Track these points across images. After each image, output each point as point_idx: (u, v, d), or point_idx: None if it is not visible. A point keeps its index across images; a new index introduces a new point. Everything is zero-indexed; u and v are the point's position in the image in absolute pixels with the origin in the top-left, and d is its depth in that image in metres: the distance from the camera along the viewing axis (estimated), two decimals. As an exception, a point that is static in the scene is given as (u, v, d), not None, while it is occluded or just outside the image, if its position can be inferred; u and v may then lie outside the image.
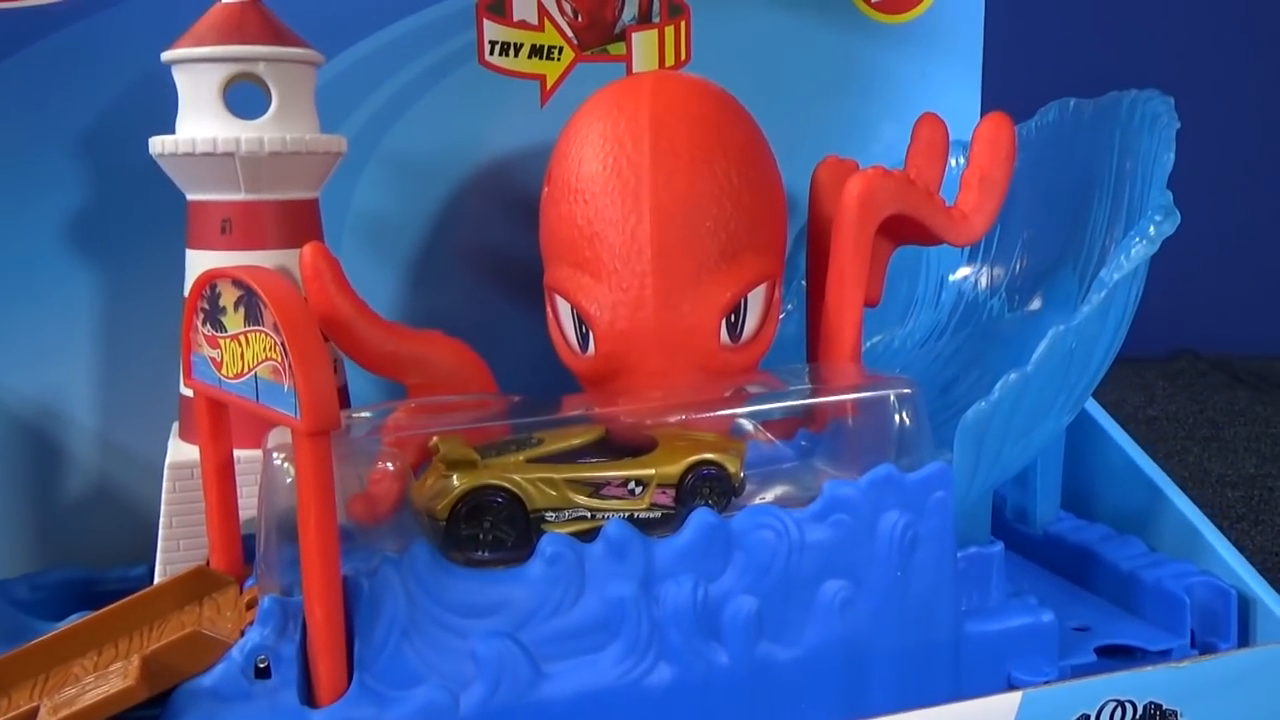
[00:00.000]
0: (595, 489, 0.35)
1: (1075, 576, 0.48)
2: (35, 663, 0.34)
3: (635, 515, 0.35)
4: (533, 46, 0.50)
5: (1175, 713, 0.38)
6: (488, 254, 0.51)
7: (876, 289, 0.42)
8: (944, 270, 0.53)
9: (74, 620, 0.35)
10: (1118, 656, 0.41)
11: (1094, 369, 0.41)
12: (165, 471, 0.40)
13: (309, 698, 0.32)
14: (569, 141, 0.39)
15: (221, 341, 0.34)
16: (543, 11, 0.50)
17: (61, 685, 0.32)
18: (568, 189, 0.38)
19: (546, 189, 0.40)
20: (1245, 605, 0.42)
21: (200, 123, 0.39)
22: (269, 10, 0.40)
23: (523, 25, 0.50)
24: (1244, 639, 0.42)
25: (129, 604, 0.36)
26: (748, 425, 0.38)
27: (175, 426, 0.43)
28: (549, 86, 0.51)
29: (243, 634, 0.32)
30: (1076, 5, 1.17)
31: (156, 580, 0.40)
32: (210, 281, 0.34)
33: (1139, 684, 0.38)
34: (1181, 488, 0.47)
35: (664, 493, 0.35)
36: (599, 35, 0.51)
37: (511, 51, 0.50)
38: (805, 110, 0.52)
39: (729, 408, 0.37)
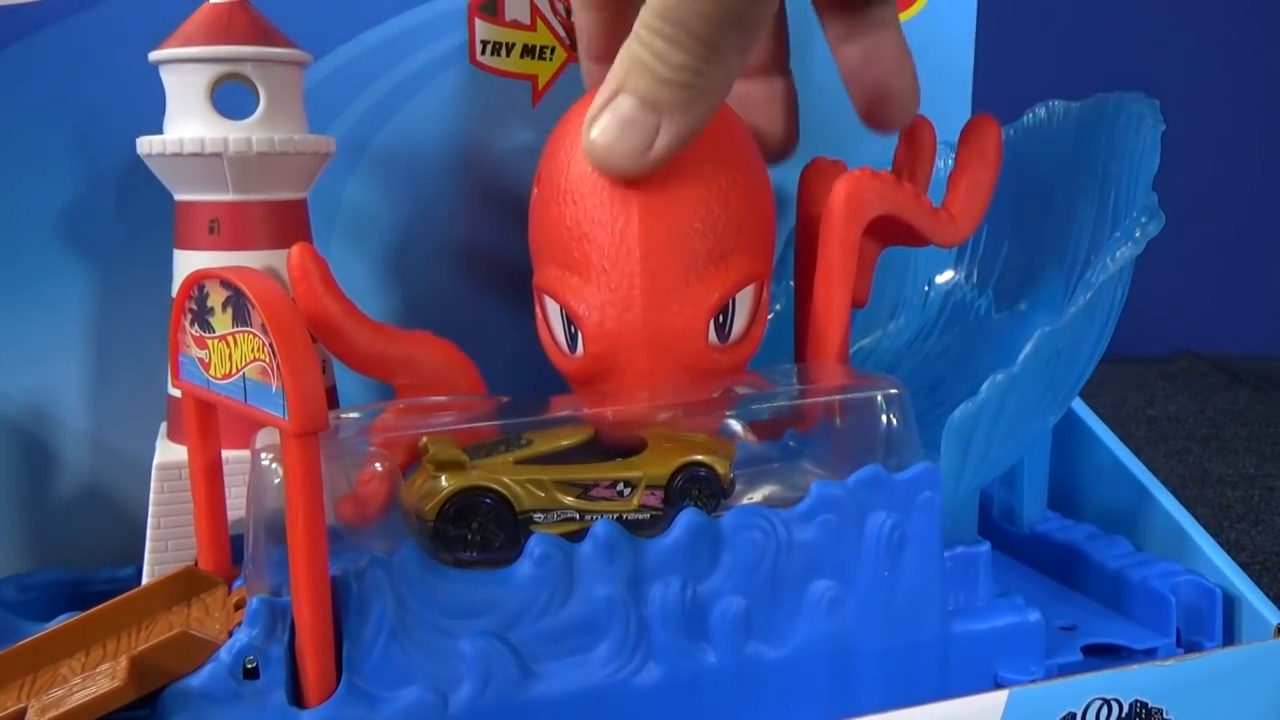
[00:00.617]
0: (584, 490, 0.35)
1: (1062, 576, 0.48)
2: (23, 663, 0.34)
3: (624, 516, 0.35)
4: (525, 46, 0.50)
5: (1160, 711, 0.38)
6: (478, 255, 0.51)
7: (864, 290, 0.42)
8: (931, 271, 0.53)
9: (62, 621, 0.35)
10: (1104, 655, 0.42)
11: (1080, 369, 0.41)
12: (153, 472, 0.40)
13: (297, 698, 0.32)
14: (558, 143, 0.39)
15: (209, 342, 0.34)
16: (535, 11, 0.50)
17: (49, 686, 0.32)
18: (557, 190, 0.38)
19: (536, 190, 0.40)
20: (1230, 604, 0.43)
21: (188, 123, 0.39)
22: (257, 10, 0.40)
23: (515, 25, 0.50)
24: (1229, 638, 0.43)
25: (117, 605, 0.36)
26: (735, 426, 0.38)
27: (163, 427, 0.43)
28: (541, 87, 0.51)
29: (231, 635, 0.32)
30: (1063, 9, 1.17)
31: (145, 581, 0.40)
32: (198, 282, 0.34)
33: (1125, 682, 0.38)
34: (1182, 488, 0.47)
35: (653, 494, 0.35)
36: (590, 36, 0.51)
37: (503, 51, 0.50)
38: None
39: (717, 408, 0.37)
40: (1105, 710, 0.38)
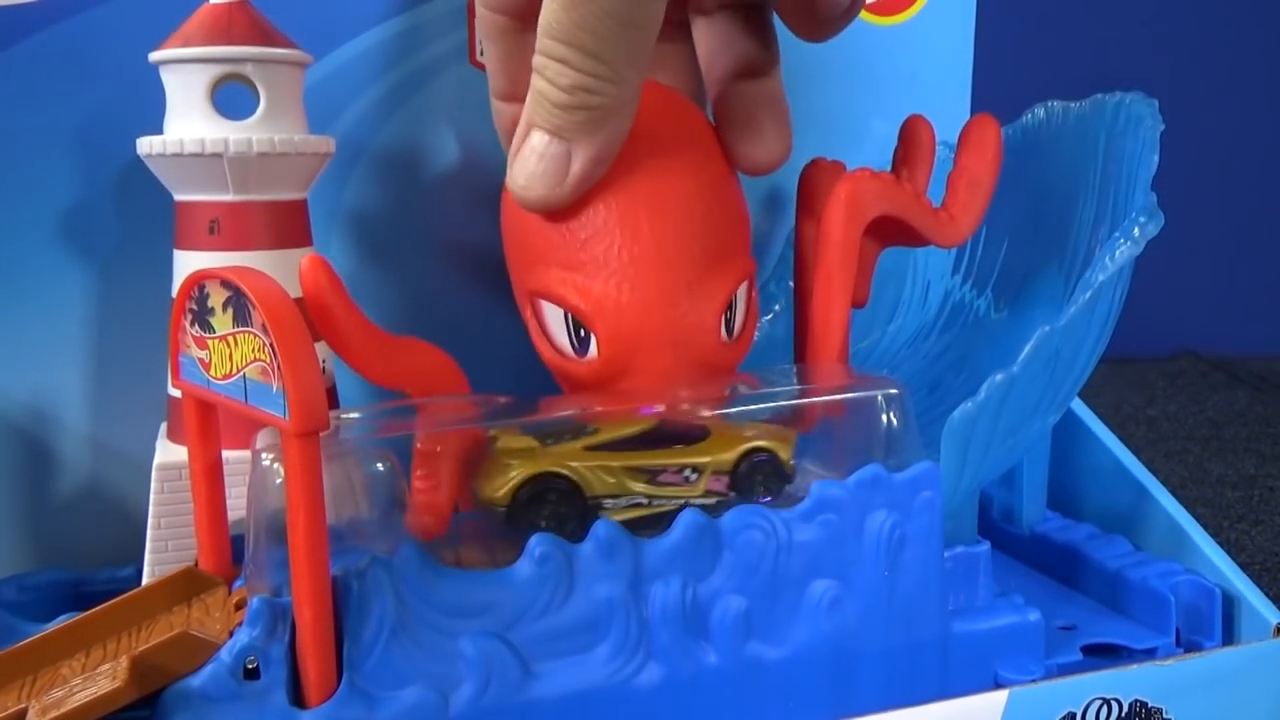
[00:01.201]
0: (651, 476, 0.35)
1: (1061, 576, 0.48)
2: (23, 664, 0.34)
3: (691, 502, 0.35)
4: (523, 47, 0.50)
5: (1160, 710, 0.38)
6: (477, 254, 0.51)
7: (864, 290, 0.42)
8: (930, 271, 0.53)
9: (62, 621, 0.35)
10: (1103, 655, 0.42)
11: (1079, 369, 0.41)
12: (153, 472, 0.40)
13: (298, 698, 0.32)
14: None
15: (210, 342, 0.34)
16: (533, 12, 0.50)
17: (49, 686, 0.32)
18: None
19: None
20: (1230, 604, 0.43)
21: (188, 123, 0.39)
22: (257, 10, 0.40)
23: (513, 26, 0.50)
24: (1228, 637, 0.43)
25: (117, 605, 0.36)
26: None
27: (163, 427, 0.43)
28: (538, 87, 0.50)
29: (231, 635, 0.32)
30: (1063, 9, 1.17)
31: (145, 581, 0.40)
32: (198, 282, 0.34)
33: (1124, 682, 0.38)
34: (1181, 488, 0.47)
35: (718, 479, 0.35)
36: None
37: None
38: (795, 111, 0.52)
39: (727, 406, 0.37)
40: (1105, 710, 0.38)
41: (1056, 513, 0.51)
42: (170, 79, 0.39)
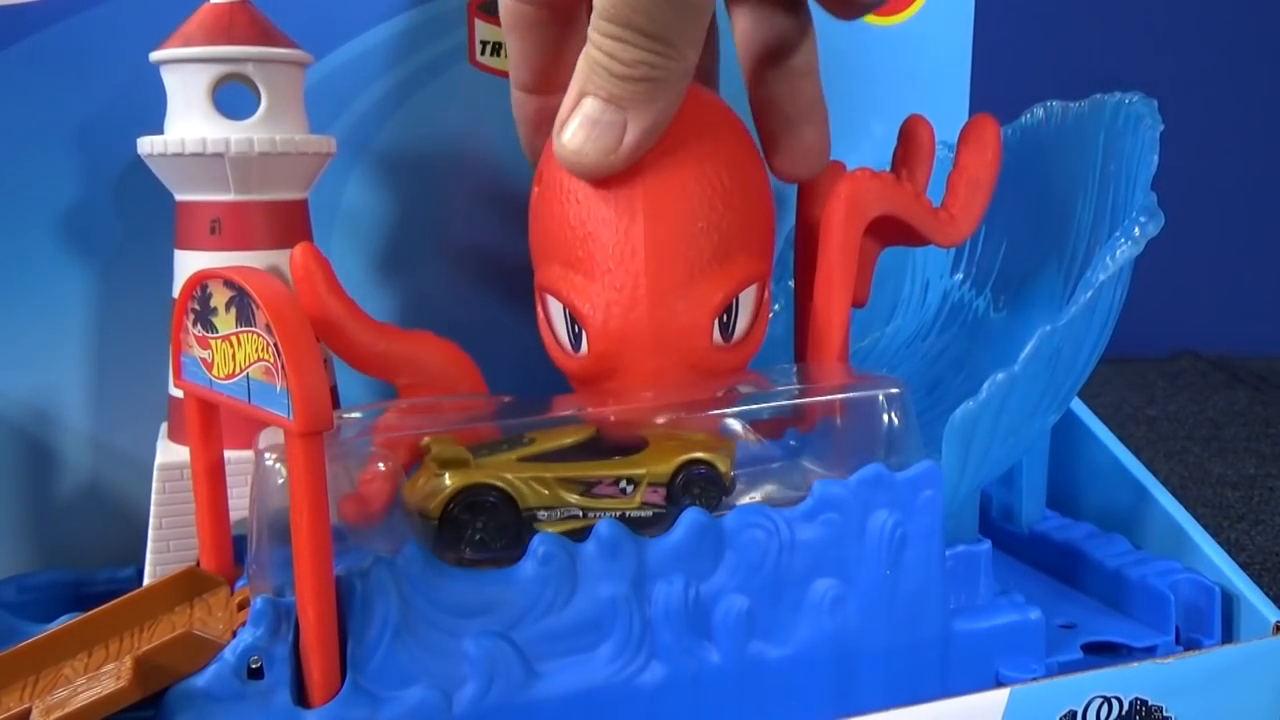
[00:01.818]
0: (587, 488, 0.35)
1: (1061, 574, 0.48)
2: (25, 664, 0.34)
3: (627, 514, 0.35)
4: (523, 47, 0.50)
5: (1160, 708, 0.39)
6: (478, 254, 0.51)
7: (864, 289, 0.42)
8: (930, 271, 0.53)
9: (64, 622, 0.35)
10: (1104, 653, 0.42)
11: (1080, 369, 0.41)
12: (155, 472, 0.40)
13: (302, 698, 0.32)
14: (559, 142, 0.39)
15: (212, 342, 0.34)
16: (533, 12, 0.50)
17: (52, 687, 0.32)
18: (560, 189, 0.38)
19: (537, 189, 0.40)
20: (1229, 602, 0.43)
21: (189, 123, 0.39)
22: (258, 10, 0.40)
23: (513, 26, 0.50)
24: (1228, 635, 0.43)
25: (119, 605, 0.36)
26: (736, 426, 0.38)
27: (164, 427, 0.43)
28: (539, 87, 0.50)
29: (235, 635, 0.32)
30: (1062, 9, 1.18)
31: (146, 581, 0.40)
32: (201, 282, 0.34)
33: (1125, 680, 0.38)
34: (1181, 488, 0.47)
35: (655, 491, 0.35)
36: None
37: (503, 51, 0.50)
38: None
39: (719, 407, 0.37)
40: (1105, 708, 0.38)
41: (1056, 512, 0.51)
42: (171, 79, 0.39)
